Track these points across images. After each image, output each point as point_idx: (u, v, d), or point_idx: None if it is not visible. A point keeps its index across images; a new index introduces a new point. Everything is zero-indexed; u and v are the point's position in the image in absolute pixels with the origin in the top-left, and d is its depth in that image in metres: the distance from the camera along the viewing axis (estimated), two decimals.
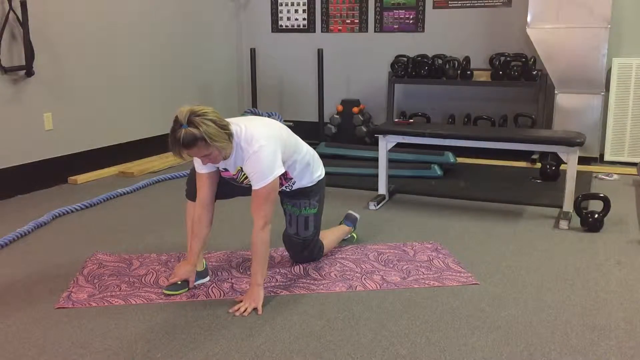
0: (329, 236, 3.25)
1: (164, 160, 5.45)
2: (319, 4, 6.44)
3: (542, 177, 4.83)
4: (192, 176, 2.90)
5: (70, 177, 4.85)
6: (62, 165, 4.81)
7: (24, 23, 4.35)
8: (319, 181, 3.02)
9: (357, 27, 6.32)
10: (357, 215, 3.52)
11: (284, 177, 2.85)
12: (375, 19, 6.23)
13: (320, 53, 5.97)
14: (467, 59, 5.65)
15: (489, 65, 5.68)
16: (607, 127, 5.31)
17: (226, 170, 2.75)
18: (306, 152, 2.96)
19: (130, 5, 5.39)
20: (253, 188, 2.65)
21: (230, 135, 2.57)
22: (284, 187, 2.94)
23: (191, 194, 2.90)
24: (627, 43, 5.31)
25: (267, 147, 2.62)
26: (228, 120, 2.62)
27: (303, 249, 3.07)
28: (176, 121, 2.49)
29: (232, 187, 2.87)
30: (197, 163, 2.74)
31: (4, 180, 4.37)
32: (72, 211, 4.06)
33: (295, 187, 2.96)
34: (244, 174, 2.71)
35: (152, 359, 2.24)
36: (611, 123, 5.29)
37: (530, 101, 5.67)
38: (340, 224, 3.46)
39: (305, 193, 2.98)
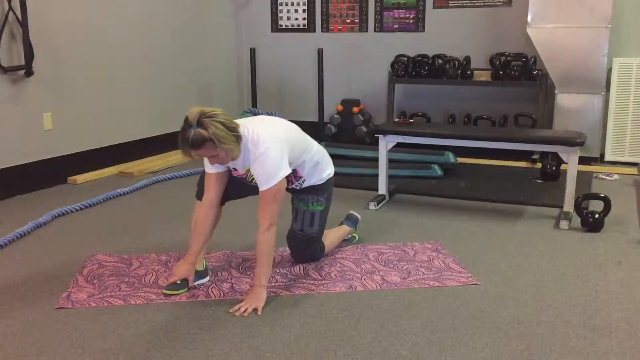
0: (330, 237, 3.26)
1: (164, 160, 5.44)
2: (319, 4, 6.43)
3: (542, 177, 4.82)
4: (203, 177, 2.92)
5: (70, 177, 4.85)
6: (61, 165, 4.80)
7: (23, 23, 4.35)
8: (328, 179, 3.07)
9: (357, 27, 6.32)
10: (359, 216, 3.53)
11: (294, 176, 2.90)
12: (375, 19, 6.22)
13: (320, 53, 5.97)
14: (468, 59, 5.65)
15: (489, 65, 5.67)
16: (608, 127, 5.30)
17: (235, 169, 2.80)
18: (316, 151, 2.99)
19: (130, 5, 5.38)
20: (260, 189, 2.68)
21: (238, 138, 2.61)
22: (294, 185, 2.97)
23: (201, 194, 2.92)
24: (628, 43, 5.31)
25: (273, 149, 2.65)
26: (237, 121, 2.65)
27: (306, 246, 3.07)
28: (186, 121, 2.53)
29: (243, 186, 2.90)
30: (207, 163, 2.76)
31: (3, 180, 4.37)
32: (71, 211, 4.05)
33: (305, 185, 3.00)
34: (252, 175, 2.74)
35: (152, 359, 2.24)
36: (612, 123, 5.29)
37: (530, 101, 5.67)
38: (341, 224, 3.45)
39: (315, 190, 3.03)
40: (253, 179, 2.77)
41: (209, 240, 2.89)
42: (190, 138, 2.49)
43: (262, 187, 2.66)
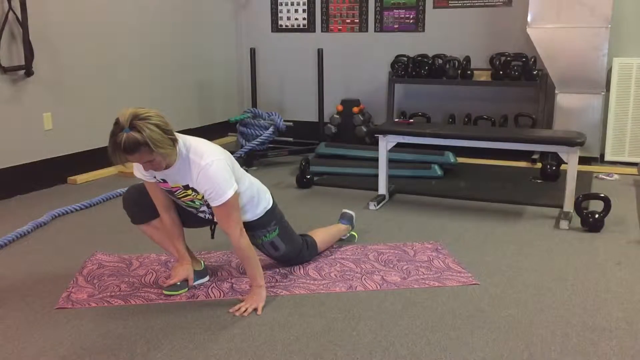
0: (322, 232, 3.23)
1: None
2: (319, 4, 6.43)
3: (542, 177, 4.82)
4: (128, 202, 2.81)
5: (70, 177, 4.85)
6: (61, 165, 4.80)
7: (23, 23, 4.35)
8: (266, 212, 2.83)
9: (357, 27, 6.32)
10: (353, 213, 3.49)
11: None
12: (375, 19, 6.22)
13: (320, 53, 5.97)
14: (468, 59, 5.65)
15: (489, 65, 5.67)
16: (608, 127, 5.30)
17: (164, 181, 2.60)
18: (249, 185, 2.75)
19: (130, 5, 5.38)
20: (213, 206, 2.52)
21: (174, 142, 2.43)
22: None
23: (136, 219, 2.82)
24: (628, 43, 5.30)
25: (220, 162, 2.50)
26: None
27: (287, 261, 3.05)
28: (117, 124, 2.33)
29: (186, 216, 2.78)
30: (139, 173, 2.63)
31: (3, 180, 4.37)
32: (71, 211, 4.05)
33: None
34: (184, 192, 2.60)
35: (152, 359, 2.24)
36: (612, 123, 5.29)
37: (530, 101, 5.66)
38: (337, 223, 3.44)
39: (257, 225, 2.82)
40: (182, 197, 2.63)
41: (184, 236, 2.83)
42: (123, 142, 2.29)
43: (215, 203, 2.49)
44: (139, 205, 2.78)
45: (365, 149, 5.37)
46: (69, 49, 4.82)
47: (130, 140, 2.30)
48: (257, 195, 2.80)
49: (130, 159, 2.38)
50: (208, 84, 6.43)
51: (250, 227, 2.78)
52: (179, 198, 2.66)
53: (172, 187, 2.61)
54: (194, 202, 2.67)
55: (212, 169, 2.47)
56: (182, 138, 2.53)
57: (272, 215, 2.87)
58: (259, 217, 2.81)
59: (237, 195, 2.55)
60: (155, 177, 2.63)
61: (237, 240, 2.57)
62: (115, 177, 5.01)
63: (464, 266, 3.08)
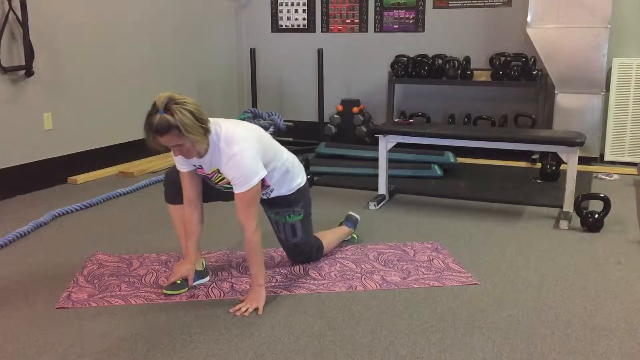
0: (329, 236, 3.24)
1: (164, 160, 5.44)
2: (319, 4, 6.44)
3: (542, 177, 4.83)
4: (169, 179, 2.85)
5: (70, 177, 4.85)
6: (62, 165, 4.81)
7: (23, 23, 4.35)
8: (299, 189, 2.90)
9: (357, 27, 6.32)
10: (358, 217, 3.51)
11: (262, 185, 2.69)
12: (375, 19, 6.22)
13: (320, 53, 5.97)
14: (467, 59, 5.65)
15: (489, 65, 5.68)
16: (607, 127, 5.30)
17: (201, 167, 2.67)
18: (286, 159, 2.83)
19: (130, 5, 5.38)
20: (236, 192, 2.56)
21: (206, 131, 2.48)
22: (261, 195, 2.78)
23: (170, 197, 2.86)
24: (627, 43, 5.31)
25: (248, 150, 2.54)
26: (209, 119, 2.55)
27: (297, 253, 3.06)
28: (154, 106, 2.43)
29: (211, 190, 2.80)
30: (178, 162, 2.69)
31: (4, 180, 4.37)
32: (72, 211, 4.05)
33: (273, 194, 2.86)
34: (220, 176, 2.65)
35: (152, 359, 2.24)
36: (611, 123, 5.29)
37: (530, 101, 5.67)
38: (341, 224, 3.45)
39: (287, 201, 2.88)
40: (220, 180, 2.68)
41: (201, 237, 2.86)
42: (155, 123, 2.38)
43: (239, 190, 2.54)
44: (178, 186, 2.80)
45: (365, 149, 5.38)
46: (69, 49, 4.82)
47: (163, 122, 2.38)
48: (292, 169, 2.87)
49: (161, 141, 2.45)
50: (208, 84, 6.43)
51: (280, 202, 2.87)
52: (217, 182, 2.71)
53: (209, 174, 2.67)
54: (230, 185, 2.68)
55: (239, 157, 2.52)
56: (215, 124, 2.57)
57: (303, 196, 2.93)
58: (292, 192, 2.87)
59: (259, 186, 2.59)
60: (194, 165, 2.68)
61: (250, 233, 2.58)
62: (115, 177, 5.01)
63: (464, 266, 3.08)
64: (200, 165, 2.67)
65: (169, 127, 2.39)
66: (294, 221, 2.92)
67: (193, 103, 2.46)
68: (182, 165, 2.70)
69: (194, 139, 2.44)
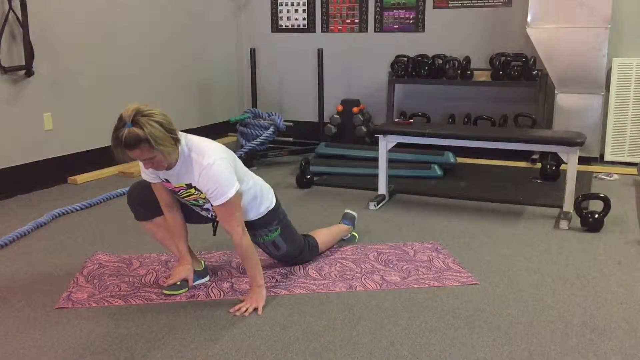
0: (324, 233, 3.23)
1: None
2: (319, 4, 6.43)
3: (542, 177, 4.83)
4: (132, 199, 2.80)
5: (70, 177, 4.85)
6: (62, 165, 4.81)
7: (23, 23, 4.35)
8: (269, 211, 2.83)
9: (357, 27, 6.32)
10: (355, 214, 3.51)
11: None
12: (375, 19, 6.22)
13: (320, 53, 5.97)
14: (467, 59, 5.65)
15: (489, 65, 5.68)
16: (607, 127, 5.30)
17: (167, 181, 2.61)
18: (253, 183, 2.76)
19: (130, 5, 5.38)
20: (214, 205, 2.52)
21: (176, 141, 2.43)
22: None
23: (140, 215, 2.81)
24: (627, 43, 5.31)
25: (222, 161, 2.49)
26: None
27: (288, 260, 3.05)
28: (120, 119, 2.34)
29: (190, 213, 2.77)
30: (146, 174, 2.64)
31: (4, 180, 4.37)
32: (72, 211, 4.05)
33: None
34: (189, 192, 2.60)
35: (152, 359, 2.24)
36: (611, 123, 5.29)
37: (530, 101, 5.67)
38: (339, 223, 3.45)
39: (260, 224, 2.82)
40: (186, 196, 2.63)
41: (187, 235, 2.83)
42: (124, 137, 2.28)
43: (216, 202, 2.49)
44: (143, 202, 2.78)
45: (365, 149, 5.37)
46: (69, 49, 4.82)
47: (132, 136, 2.30)
48: (260, 194, 2.79)
49: (131, 155, 2.37)
50: (208, 84, 6.43)
51: (252, 226, 2.79)
52: (183, 197, 2.67)
53: (176, 187, 2.62)
54: (198, 201, 2.67)
55: (214, 169, 2.47)
56: (185, 137, 2.53)
57: (275, 215, 2.87)
58: (261, 216, 2.81)
59: (239, 194, 2.55)
60: (160, 178, 2.63)
61: (238, 239, 2.57)
62: (115, 177, 5.01)
63: (464, 266, 3.08)
64: (166, 179, 2.60)
65: (139, 140, 2.30)
66: (273, 238, 2.89)
67: (161, 113, 2.40)
68: (150, 177, 2.64)
69: (164, 151, 2.37)
